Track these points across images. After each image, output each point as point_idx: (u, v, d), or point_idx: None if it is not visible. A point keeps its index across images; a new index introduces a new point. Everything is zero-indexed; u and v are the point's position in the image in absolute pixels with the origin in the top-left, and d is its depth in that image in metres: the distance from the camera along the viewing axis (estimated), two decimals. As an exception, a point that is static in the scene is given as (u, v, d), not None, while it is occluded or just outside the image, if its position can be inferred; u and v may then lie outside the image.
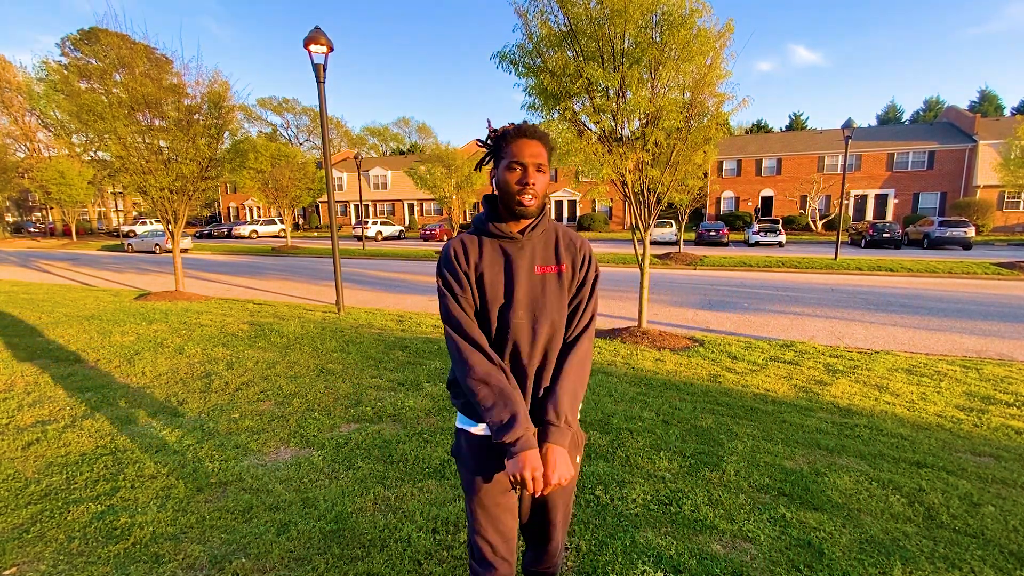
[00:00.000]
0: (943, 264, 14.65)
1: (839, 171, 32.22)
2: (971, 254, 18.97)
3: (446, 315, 1.35)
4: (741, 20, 5.49)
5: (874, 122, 55.59)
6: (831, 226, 31.00)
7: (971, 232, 20.98)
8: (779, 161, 35.03)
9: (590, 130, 5.91)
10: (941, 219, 22.23)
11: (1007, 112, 46.60)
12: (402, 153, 62.92)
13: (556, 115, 5.90)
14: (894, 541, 2.30)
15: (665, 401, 4.09)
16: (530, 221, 1.36)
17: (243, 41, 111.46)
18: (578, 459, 1.48)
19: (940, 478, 2.86)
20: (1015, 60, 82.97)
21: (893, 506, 2.58)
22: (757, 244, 23.85)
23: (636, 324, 6.54)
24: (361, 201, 28.32)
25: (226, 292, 11.05)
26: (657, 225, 24.97)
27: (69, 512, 2.53)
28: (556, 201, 40.40)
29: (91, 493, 2.72)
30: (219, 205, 53.94)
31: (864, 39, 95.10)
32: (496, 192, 1.37)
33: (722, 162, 35.90)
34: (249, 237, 37.76)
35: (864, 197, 33.34)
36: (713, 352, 5.66)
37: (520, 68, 5.80)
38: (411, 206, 45.88)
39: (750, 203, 35.84)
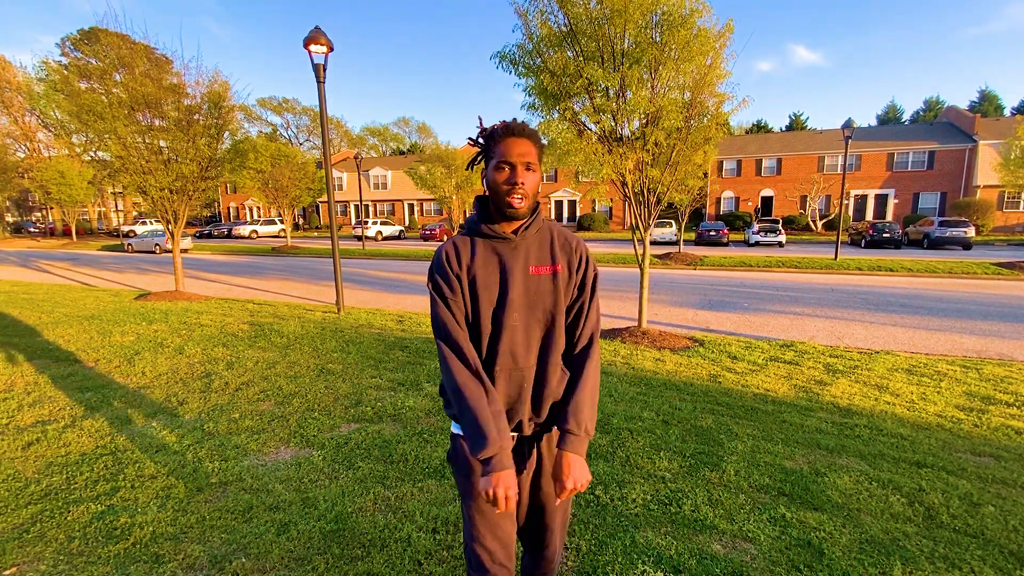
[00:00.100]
0: (943, 264, 14.64)
1: (839, 171, 32.22)
2: (971, 254, 18.97)
3: (434, 321, 1.33)
4: (741, 20, 5.50)
5: (874, 122, 55.62)
6: (831, 226, 31.00)
7: (971, 232, 20.98)
8: (779, 161, 35.03)
9: (590, 130, 5.91)
10: (941, 219, 22.23)
11: (1007, 112, 46.61)
12: (402, 153, 62.93)
13: (556, 115, 5.90)
14: (894, 541, 2.30)
15: (665, 401, 4.09)
16: (523, 221, 1.33)
17: (243, 41, 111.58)
18: None
19: (940, 478, 2.86)
20: (1015, 60, 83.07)
21: (893, 506, 2.58)
22: (757, 244, 23.85)
23: (636, 324, 6.54)
24: (361, 201, 28.32)
25: (226, 292, 11.05)
26: (657, 225, 24.97)
27: (69, 512, 2.53)
28: (556, 201, 40.41)
29: (91, 493, 2.72)
30: (219, 205, 53.94)
31: (864, 39, 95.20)
32: (487, 192, 1.35)
33: (722, 162, 35.89)
34: (249, 237, 37.76)
35: (864, 197, 33.34)
36: (713, 352, 5.66)
37: (520, 68, 5.80)
38: (411, 206, 45.88)
39: (750, 203, 35.84)
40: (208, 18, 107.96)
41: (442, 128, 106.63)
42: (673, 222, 25.26)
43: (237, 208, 52.45)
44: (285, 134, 62.91)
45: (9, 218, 42.72)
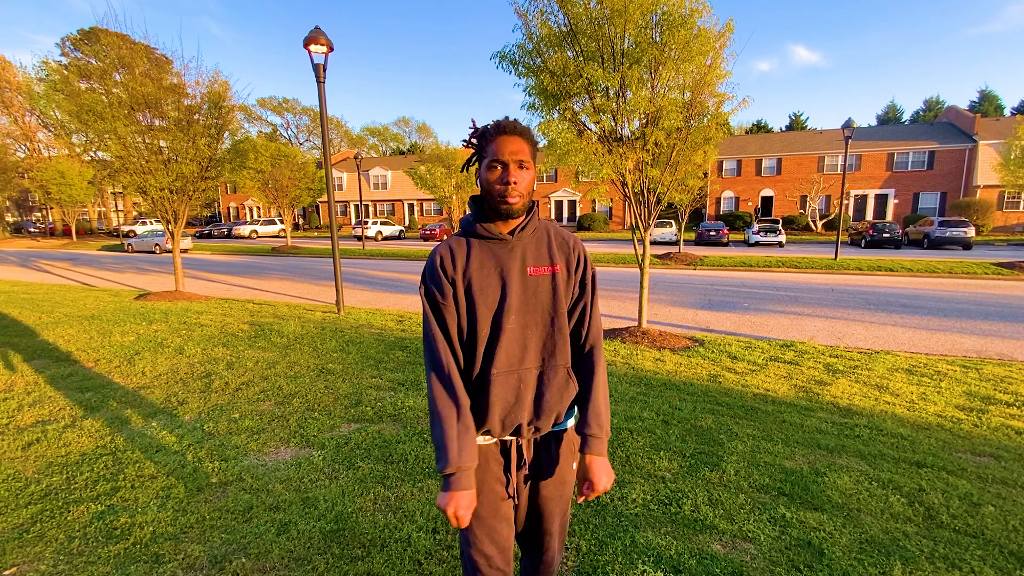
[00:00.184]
0: (943, 264, 14.65)
1: (839, 171, 32.23)
2: (971, 254, 18.97)
3: (425, 335, 1.32)
4: (741, 20, 5.50)
5: (874, 122, 55.63)
6: (831, 226, 31.00)
7: (971, 232, 20.99)
8: (779, 161, 35.03)
9: (590, 130, 5.91)
10: (941, 219, 22.24)
11: (1007, 112, 46.63)
12: (402, 153, 62.95)
13: (556, 115, 5.90)
14: (894, 541, 2.30)
15: (665, 401, 4.09)
16: (519, 221, 1.31)
17: (243, 41, 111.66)
18: (574, 465, 1.44)
19: (940, 478, 2.86)
20: (1015, 60, 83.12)
21: (893, 506, 2.58)
22: (757, 244, 23.85)
23: (636, 324, 6.54)
24: (361, 201, 28.32)
25: (226, 292, 11.05)
26: (657, 225, 24.97)
27: (69, 512, 2.53)
28: (556, 201, 40.41)
29: (91, 493, 2.72)
30: (219, 205, 53.93)
31: (864, 39, 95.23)
32: (481, 192, 1.32)
33: (722, 162, 35.90)
34: (249, 237, 37.76)
35: (864, 197, 33.34)
36: (713, 352, 5.66)
37: (520, 68, 5.80)
38: (411, 206, 45.88)
39: (750, 203, 35.84)
40: (208, 18, 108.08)
41: (442, 128, 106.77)
42: (673, 222, 25.28)
43: (237, 208, 52.44)
44: (285, 134, 62.97)
45: (9, 218, 42.72)
